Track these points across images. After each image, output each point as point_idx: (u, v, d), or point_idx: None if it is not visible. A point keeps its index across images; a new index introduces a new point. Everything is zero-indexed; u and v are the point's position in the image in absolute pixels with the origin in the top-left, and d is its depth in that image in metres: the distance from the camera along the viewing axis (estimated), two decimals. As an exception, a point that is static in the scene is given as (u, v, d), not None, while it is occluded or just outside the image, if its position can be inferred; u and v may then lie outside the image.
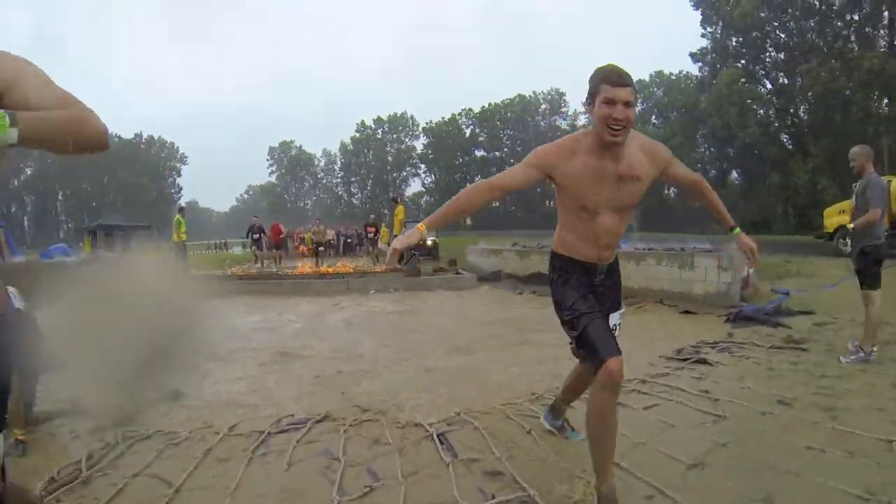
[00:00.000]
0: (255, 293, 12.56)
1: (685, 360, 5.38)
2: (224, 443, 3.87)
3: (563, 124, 75.12)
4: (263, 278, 14.34)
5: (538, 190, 70.93)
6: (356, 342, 7.25)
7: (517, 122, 74.59)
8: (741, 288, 8.48)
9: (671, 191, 62.08)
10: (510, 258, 14.69)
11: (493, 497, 2.84)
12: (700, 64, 51.34)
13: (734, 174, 57.54)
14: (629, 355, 5.51)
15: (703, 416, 3.86)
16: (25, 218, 69.95)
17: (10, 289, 4.21)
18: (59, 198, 75.50)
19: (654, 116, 66.85)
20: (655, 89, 68.16)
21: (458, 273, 14.40)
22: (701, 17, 47.64)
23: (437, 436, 3.71)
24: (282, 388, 5.23)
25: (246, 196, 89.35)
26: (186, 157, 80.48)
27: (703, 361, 5.29)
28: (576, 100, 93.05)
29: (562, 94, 75.76)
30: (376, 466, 3.33)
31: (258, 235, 20.84)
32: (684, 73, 63.86)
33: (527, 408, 4.26)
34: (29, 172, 73.57)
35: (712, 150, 56.18)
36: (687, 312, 8.05)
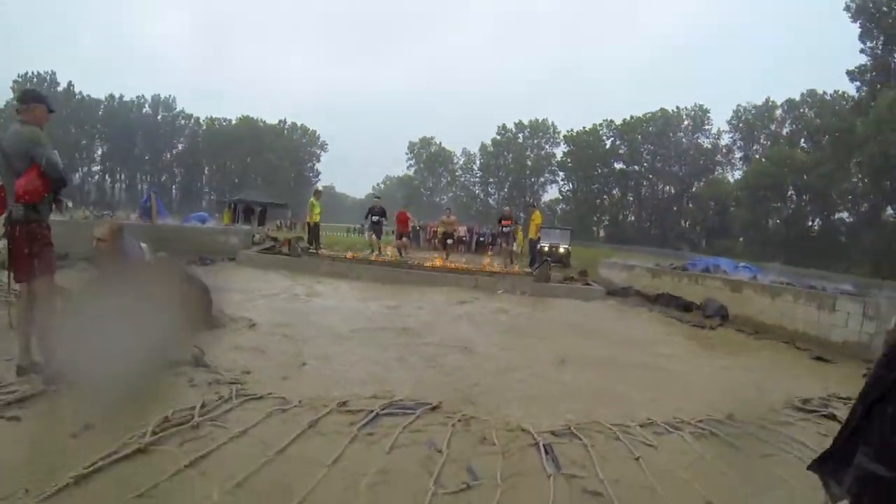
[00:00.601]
0: (384, 280, 13.04)
1: (811, 411, 4.95)
2: (331, 417, 4.00)
3: (706, 142, 71.73)
4: (396, 266, 14.71)
5: (674, 208, 68.27)
6: (478, 339, 7.31)
7: (658, 137, 71.99)
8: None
9: (816, 222, 57.43)
10: (641, 275, 14.31)
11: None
12: (858, 83, 47.11)
13: (889, 210, 49.54)
14: (750, 395, 5.28)
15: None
16: (174, 187, 76.66)
17: (143, 245, 4.80)
18: (206, 172, 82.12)
19: (802, 140, 62.05)
20: (806, 110, 63.07)
21: (587, 284, 14.16)
22: (860, 30, 43.56)
23: (544, 445, 3.64)
24: (397, 373, 5.37)
25: (382, 186, 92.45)
26: (326, 144, 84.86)
27: (832, 417, 4.81)
28: (720, 117, 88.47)
29: (706, 111, 72.30)
30: (477, 465, 3.32)
31: (377, 219, 18.41)
32: (840, 92, 58.39)
33: (639, 432, 4.09)
34: (180, 147, 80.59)
35: (866, 181, 49.76)
36: (819, 359, 7.39)
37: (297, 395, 4.35)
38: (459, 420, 4.11)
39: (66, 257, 9.05)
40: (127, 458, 3.01)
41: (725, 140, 70.52)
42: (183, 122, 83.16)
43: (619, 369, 6.23)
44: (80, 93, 76.98)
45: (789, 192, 57.88)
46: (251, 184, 53.22)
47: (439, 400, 4.48)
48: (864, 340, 7.68)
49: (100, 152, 79.47)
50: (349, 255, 16.04)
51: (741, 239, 57.03)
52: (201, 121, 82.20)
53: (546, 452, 3.54)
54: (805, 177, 55.00)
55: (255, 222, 26.61)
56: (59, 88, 72.50)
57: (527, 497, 2.97)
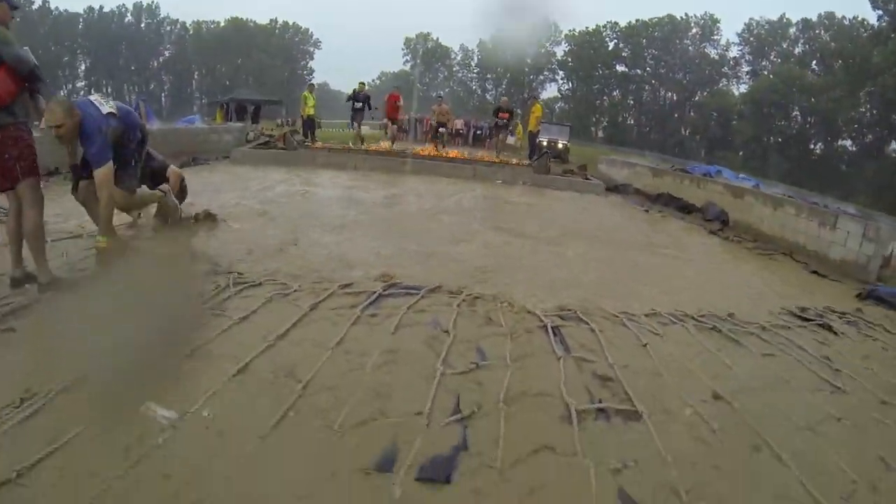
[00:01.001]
0: (381, 169, 12.83)
1: (808, 320, 4.97)
2: (333, 299, 3.94)
3: (713, 53, 69.15)
4: (392, 156, 14.44)
5: (675, 115, 67.02)
6: (478, 227, 7.26)
7: (664, 43, 69.30)
8: (880, 266, 7.65)
9: (818, 146, 56.78)
10: (643, 174, 14.05)
11: (601, 402, 2.74)
12: (880, 12, 44.87)
13: (894, 145, 48.91)
14: (747, 297, 5.28)
15: (821, 382, 3.48)
16: (163, 95, 74.02)
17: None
18: (195, 77, 79.11)
19: (814, 62, 60.15)
20: (822, 32, 60.71)
21: (586, 178, 13.90)
22: (888, -47, 41.21)
23: (552, 327, 3.60)
24: (398, 259, 5.27)
25: (378, 81, 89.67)
26: (320, 41, 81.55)
27: (828, 328, 4.82)
28: (730, 30, 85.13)
29: (716, 21, 69.06)
30: (485, 346, 3.29)
31: (361, 105, 17.01)
32: (859, 19, 56.05)
33: (644, 321, 4.07)
34: (167, 54, 77.23)
35: (875, 112, 48.86)
36: (816, 273, 7.38)
37: (296, 281, 4.27)
38: (464, 300, 4.06)
39: (57, 172, 8.81)
40: None
41: (734, 52, 68.14)
42: (168, 28, 78.73)
43: (619, 262, 6.18)
44: (57, 9, 72.49)
45: (794, 113, 56.66)
46: (243, 85, 51.55)
47: (441, 282, 4.43)
48: (862, 261, 7.62)
49: (83, 67, 76.05)
50: (344, 146, 15.66)
51: (741, 153, 56.28)
52: (188, 25, 78.23)
53: (554, 334, 3.51)
54: (813, 99, 53.61)
55: (249, 120, 25.86)
56: (34, 7, 68.24)
57: (537, 378, 2.94)
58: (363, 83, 18.18)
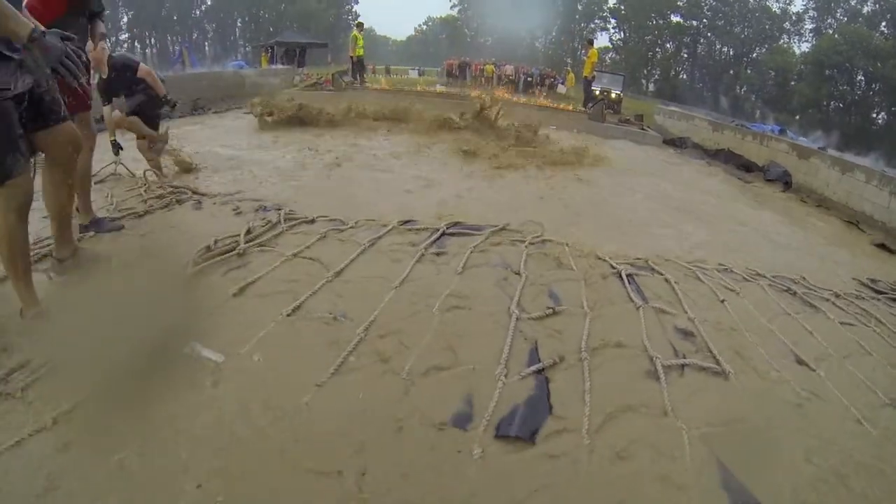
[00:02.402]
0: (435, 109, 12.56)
1: (880, 292, 4.69)
2: (393, 236, 3.77)
3: (775, 6, 65.45)
4: (443, 96, 14.16)
5: (731, 72, 64.27)
6: (533, 171, 7.13)
7: (723, -7, 65.94)
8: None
9: (881, 115, 54.06)
10: (702, 128, 13.46)
11: (685, 357, 2.58)
12: None
13: None
14: (815, 263, 5.03)
15: None
16: (206, 44, 73.03)
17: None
18: (238, 24, 78.15)
19: (884, 24, 56.19)
20: None
21: (643, 129, 13.45)
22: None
23: (627, 275, 3.42)
24: (461, 198, 5.15)
25: (425, 27, 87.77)
26: None
27: None
28: None
29: (780, -29, 65.36)
30: (558, 290, 3.13)
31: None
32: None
33: (717, 276, 3.86)
34: (209, 3, 76.11)
35: None
36: (882, 246, 6.99)
37: (351, 216, 4.11)
38: (532, 242, 3.88)
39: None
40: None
41: (797, 7, 64.47)
42: None
43: (680, 214, 5.96)
44: (97, -39, 71.09)
45: (859, 77, 53.84)
46: (287, 30, 50.84)
47: (506, 222, 4.26)
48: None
49: (125, 20, 75.69)
50: (393, 87, 15.44)
51: (797, 117, 53.94)
52: None
53: (629, 282, 3.33)
54: (879, 64, 50.83)
55: (295, 64, 25.51)
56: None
57: (617, 326, 2.77)
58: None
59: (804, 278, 4.30)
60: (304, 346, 2.39)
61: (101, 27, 3.74)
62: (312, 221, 4.01)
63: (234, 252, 3.27)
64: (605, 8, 70.57)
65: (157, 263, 3.28)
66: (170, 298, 2.79)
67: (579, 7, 70.53)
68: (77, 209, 3.58)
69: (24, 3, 3.07)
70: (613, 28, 71.14)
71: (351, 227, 3.89)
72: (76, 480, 1.62)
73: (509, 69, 28.65)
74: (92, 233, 3.61)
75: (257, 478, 1.70)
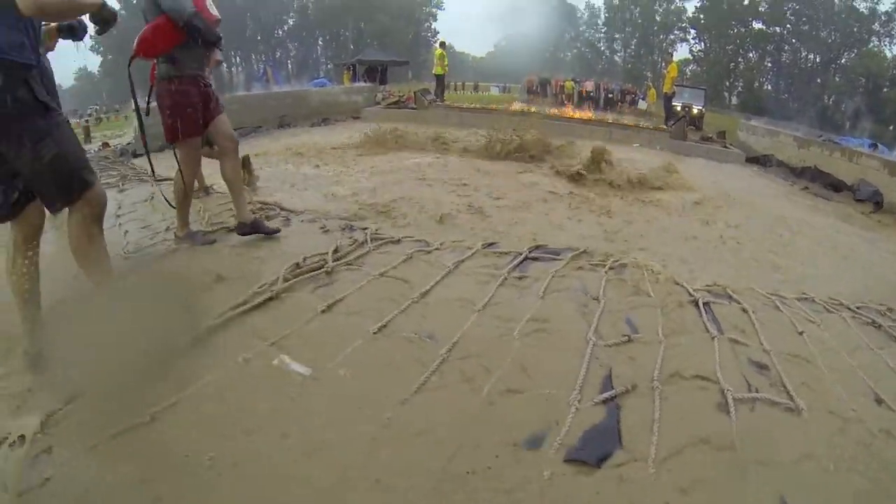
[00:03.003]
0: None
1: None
2: (476, 259, 3.94)
3: (862, 6, 61.73)
4: (527, 115, 14.34)
5: (818, 80, 61.25)
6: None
7: (807, -3, 62.91)
8: None
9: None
10: (787, 144, 13.07)
11: (757, 391, 2.61)
12: None
13: None
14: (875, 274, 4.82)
15: None
16: (289, 62, 75.62)
17: None
18: (320, 43, 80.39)
19: None
20: None
21: (725, 147, 13.21)
22: None
23: (703, 303, 3.46)
24: (541, 219, 5.27)
25: (503, 44, 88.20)
26: (443, 2, 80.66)
27: None
28: None
29: (866, -32, 61.52)
30: (635, 317, 3.21)
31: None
32: None
33: (796, 306, 3.84)
34: (291, 23, 78.54)
35: None
36: None
37: (437, 238, 4.31)
38: (612, 267, 3.98)
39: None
40: (258, 307, 3.00)
41: (887, 6, 60.50)
42: None
43: (765, 239, 5.89)
44: (182, -15, 74.30)
45: (958, 79, 50.39)
46: (367, 48, 52.15)
47: (586, 246, 4.37)
48: None
49: None
50: (478, 105, 15.71)
51: (892, 127, 50.83)
52: None
53: (705, 311, 3.37)
54: (982, 65, 47.48)
55: (377, 81, 26.25)
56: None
57: (691, 356, 2.82)
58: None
59: (891, 310, 4.18)
60: (388, 364, 2.57)
61: (218, 55, 4.11)
62: (399, 242, 4.22)
63: (322, 270, 3.51)
64: (684, 18, 68.84)
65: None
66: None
67: (657, 18, 69.03)
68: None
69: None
70: (693, 39, 69.30)
71: (436, 249, 4.08)
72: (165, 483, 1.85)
73: (590, 85, 28.37)
74: (186, 245, 3.98)
75: (337, 490, 1.88)
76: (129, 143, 10.35)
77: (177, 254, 3.90)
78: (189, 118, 3.85)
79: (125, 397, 2.22)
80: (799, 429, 2.42)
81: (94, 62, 68.96)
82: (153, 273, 3.59)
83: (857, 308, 4.04)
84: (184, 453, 1.96)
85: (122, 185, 6.35)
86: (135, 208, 5.22)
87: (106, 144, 11.35)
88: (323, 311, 2.99)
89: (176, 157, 3.93)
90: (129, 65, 3.58)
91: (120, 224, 4.65)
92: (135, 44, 3.51)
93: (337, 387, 2.38)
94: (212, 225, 4.53)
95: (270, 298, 3.10)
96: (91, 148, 11.02)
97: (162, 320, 2.69)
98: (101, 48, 65.52)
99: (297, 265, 3.55)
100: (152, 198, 5.45)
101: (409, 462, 2.00)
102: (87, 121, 19.74)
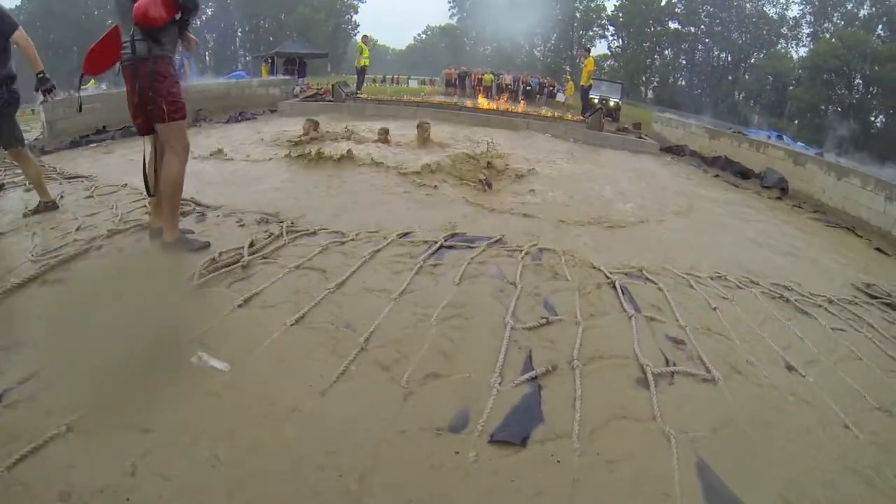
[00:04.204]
0: (434, 119, 12.65)
1: (875, 297, 4.74)
2: (392, 248, 3.87)
3: (772, 11, 65.43)
4: (445, 107, 14.34)
5: (729, 77, 64.30)
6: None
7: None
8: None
9: (880, 118, 54.10)
10: (699, 135, 13.49)
11: (675, 365, 2.65)
12: None
13: None
14: (810, 269, 5.09)
15: (894, 363, 3.32)
16: (206, 53, 73.16)
17: None
18: (238, 34, 78.44)
19: (880, 27, 55.90)
20: None
21: (640, 137, 13.44)
22: None
23: (620, 285, 3.49)
24: (454, 209, 5.21)
25: (423, 36, 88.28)
26: None
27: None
28: None
29: (777, -24, 65.30)
30: (554, 301, 3.20)
31: None
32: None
33: (710, 283, 3.94)
34: (210, 12, 76.44)
35: None
36: (880, 251, 7.02)
37: (351, 229, 4.21)
38: (528, 252, 3.97)
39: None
40: (174, 304, 2.92)
41: (794, 12, 64.39)
42: None
43: (676, 223, 6.01)
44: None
45: (856, 81, 53.97)
46: (287, 41, 51.15)
47: (502, 234, 4.36)
48: (931, 241, 7.28)
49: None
50: (396, 97, 15.58)
51: (796, 122, 53.97)
52: None
53: (622, 292, 3.40)
54: (877, 67, 50.97)
55: (296, 74, 25.79)
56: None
57: (609, 335, 2.85)
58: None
59: (798, 285, 4.36)
60: (307, 356, 2.49)
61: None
62: (314, 233, 4.10)
63: (238, 264, 3.37)
64: (604, 15, 70.88)
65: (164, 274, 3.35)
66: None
67: (577, 15, 70.83)
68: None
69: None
70: (612, 35, 71.41)
71: (351, 240, 3.97)
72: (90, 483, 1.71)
73: (508, 78, 28.73)
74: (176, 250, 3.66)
75: (263, 480, 1.78)
76: (36, 139, 9.67)
77: (90, 255, 3.61)
78: (181, 98, 3.57)
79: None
80: (716, 398, 2.48)
81: None
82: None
83: (768, 284, 4.19)
84: (100, 459, 1.81)
85: (29, 184, 5.86)
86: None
87: None
88: (240, 306, 2.86)
89: (151, 146, 3.64)
90: (133, 38, 3.32)
91: (27, 225, 4.28)
92: (134, 15, 3.22)
93: (255, 381, 2.28)
94: (124, 223, 4.24)
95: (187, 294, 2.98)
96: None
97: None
98: None
99: (213, 259, 3.40)
100: (61, 196, 5.06)
101: (332, 452, 1.92)
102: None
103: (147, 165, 3.58)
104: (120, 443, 1.88)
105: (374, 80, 31.83)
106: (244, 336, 2.58)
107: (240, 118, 12.33)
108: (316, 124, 8.99)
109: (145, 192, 3.64)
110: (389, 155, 7.30)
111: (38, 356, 2.31)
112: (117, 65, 3.55)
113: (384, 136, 8.60)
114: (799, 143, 16.44)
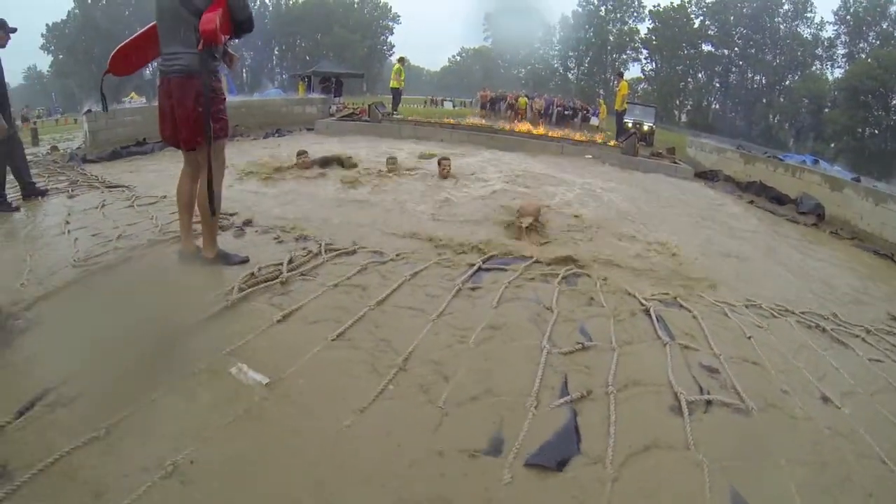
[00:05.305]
0: (467, 143, 12.93)
1: (914, 328, 4.65)
2: (432, 270, 3.95)
3: (806, 32, 64.37)
4: (480, 130, 14.51)
5: (764, 100, 63.54)
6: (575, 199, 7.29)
7: (753, 21, 65.26)
8: None
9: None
10: (733, 160, 13.40)
11: (709, 393, 2.67)
12: None
13: None
14: (849, 298, 5.03)
15: None
16: (244, 71, 74.67)
17: None
18: (275, 52, 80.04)
19: None
20: None
21: (675, 163, 13.42)
22: None
23: (655, 313, 3.53)
24: (491, 229, 5.30)
25: (458, 58, 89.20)
26: (399, 16, 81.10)
27: None
28: (825, 6, 78.48)
29: (810, -2, 64.55)
30: (589, 327, 3.25)
31: None
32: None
33: (745, 312, 3.96)
34: None
35: None
36: (918, 279, 6.88)
37: (391, 249, 4.30)
38: (564, 277, 4.04)
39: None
40: (213, 316, 2.93)
41: (829, 32, 63.42)
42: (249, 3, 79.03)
43: (713, 249, 6.00)
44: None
45: (894, 101, 52.86)
46: (323, 60, 52.17)
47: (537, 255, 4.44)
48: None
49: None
50: (430, 119, 15.78)
51: (832, 145, 52.94)
52: (267, 1, 79.15)
53: (657, 319, 3.44)
54: (916, 87, 49.94)
55: (332, 94, 26.23)
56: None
57: (643, 363, 2.89)
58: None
59: (834, 315, 4.34)
60: (346, 373, 2.55)
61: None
62: (353, 252, 4.19)
63: (277, 280, 3.46)
64: (637, 39, 70.81)
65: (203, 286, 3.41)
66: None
67: (611, 38, 70.81)
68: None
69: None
70: (645, 59, 71.30)
71: (391, 260, 4.07)
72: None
73: (540, 102, 28.77)
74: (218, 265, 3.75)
75: (294, 498, 1.84)
76: (79, 147, 10.02)
77: (131, 263, 3.77)
78: (226, 116, 3.58)
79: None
80: (750, 428, 2.50)
81: (44, 62, 66.23)
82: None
83: (803, 313, 4.19)
84: (142, 464, 1.88)
85: (72, 191, 6.11)
86: (85, 216, 5.02)
87: (55, 148, 10.96)
88: (279, 321, 2.94)
89: (187, 163, 3.63)
90: (186, 51, 3.28)
91: (69, 232, 4.48)
92: (204, 29, 3.18)
93: (295, 395, 2.34)
94: (164, 233, 4.41)
95: (226, 308, 3.03)
96: (38, 151, 10.63)
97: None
98: (52, 48, 63.79)
99: (252, 274, 3.49)
100: (103, 205, 5.28)
101: (368, 471, 1.97)
102: (34, 123, 19.16)
103: (204, 183, 3.48)
104: (155, 451, 1.94)
105: (426, 102, 32.34)
106: (284, 351, 2.64)
107: (276, 134, 12.66)
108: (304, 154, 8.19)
109: (210, 212, 3.52)
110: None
111: (76, 360, 2.40)
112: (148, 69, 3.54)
113: (446, 167, 8.01)
114: (836, 167, 16.16)
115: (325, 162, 8.26)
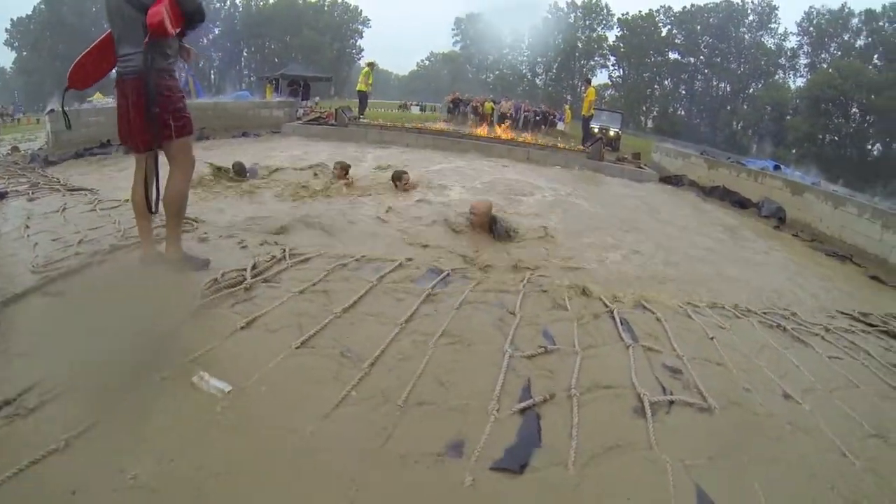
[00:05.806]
0: (432, 147, 12.97)
1: (871, 325, 4.76)
2: (398, 272, 3.92)
3: (770, 42, 66.35)
4: (446, 134, 14.58)
5: (728, 107, 64.98)
6: (539, 210, 7.29)
7: (719, 31, 66.93)
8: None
9: (876, 147, 54.50)
10: (697, 165, 13.66)
11: (672, 394, 2.68)
12: None
13: None
14: (807, 297, 5.14)
15: (890, 389, 3.34)
16: (212, 72, 73.98)
17: None
18: (244, 54, 79.43)
19: (876, 56, 56.99)
20: (886, 24, 57.06)
21: (640, 167, 13.66)
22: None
23: (619, 315, 3.55)
24: (459, 238, 5.29)
25: (427, 63, 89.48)
26: (369, 20, 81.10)
27: (893, 335, 4.64)
28: (788, 18, 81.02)
29: (774, 8, 66.00)
30: (553, 330, 3.24)
31: None
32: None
33: (708, 313, 4.00)
34: (217, 31, 77.41)
35: None
36: (875, 279, 7.07)
37: (352, 254, 4.23)
38: (529, 280, 4.03)
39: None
40: (176, 324, 2.84)
41: (792, 43, 65.38)
42: (218, 4, 78.41)
43: (675, 252, 6.09)
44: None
45: (853, 110, 54.46)
46: (291, 63, 51.82)
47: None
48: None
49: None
50: (397, 123, 15.75)
51: (794, 150, 54.24)
52: (237, 2, 78.53)
53: (621, 322, 3.45)
54: (873, 96, 51.52)
55: (299, 97, 26.05)
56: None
57: (606, 365, 2.89)
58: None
59: (795, 314, 4.42)
60: (310, 380, 2.50)
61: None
62: (318, 256, 4.12)
63: (240, 286, 3.36)
64: (605, 46, 71.95)
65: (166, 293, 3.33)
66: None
67: (579, 45, 71.80)
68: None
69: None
70: (613, 65, 72.47)
71: (357, 261, 4.03)
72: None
73: (508, 105, 28.92)
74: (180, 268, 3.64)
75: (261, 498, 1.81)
76: (41, 148, 9.78)
77: (92, 269, 3.63)
78: (187, 113, 3.46)
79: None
80: (713, 426, 2.51)
81: (7, 58, 64.61)
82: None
83: (765, 313, 4.26)
84: (105, 474, 1.83)
85: (32, 193, 5.91)
86: (46, 219, 4.85)
87: (15, 149, 10.66)
88: (242, 328, 2.86)
89: (150, 162, 3.44)
90: (137, 50, 3.18)
91: (29, 236, 4.33)
92: (151, 22, 3.07)
93: (256, 404, 2.29)
94: (127, 238, 4.28)
95: (189, 315, 2.94)
96: (-1, 151, 10.39)
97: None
98: (16, 44, 62.25)
99: (216, 280, 3.39)
100: (64, 208, 5.14)
101: (332, 475, 1.93)
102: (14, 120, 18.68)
103: (148, 183, 3.42)
104: (117, 463, 1.89)
105: (400, 107, 32.48)
106: (247, 358, 2.58)
107: (241, 137, 12.52)
108: (346, 169, 7.90)
109: (146, 209, 3.47)
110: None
111: (37, 368, 2.33)
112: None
113: (406, 180, 7.68)
114: (798, 173, 16.53)
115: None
